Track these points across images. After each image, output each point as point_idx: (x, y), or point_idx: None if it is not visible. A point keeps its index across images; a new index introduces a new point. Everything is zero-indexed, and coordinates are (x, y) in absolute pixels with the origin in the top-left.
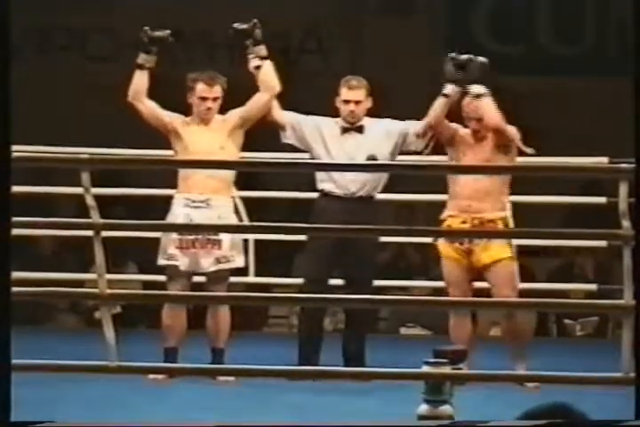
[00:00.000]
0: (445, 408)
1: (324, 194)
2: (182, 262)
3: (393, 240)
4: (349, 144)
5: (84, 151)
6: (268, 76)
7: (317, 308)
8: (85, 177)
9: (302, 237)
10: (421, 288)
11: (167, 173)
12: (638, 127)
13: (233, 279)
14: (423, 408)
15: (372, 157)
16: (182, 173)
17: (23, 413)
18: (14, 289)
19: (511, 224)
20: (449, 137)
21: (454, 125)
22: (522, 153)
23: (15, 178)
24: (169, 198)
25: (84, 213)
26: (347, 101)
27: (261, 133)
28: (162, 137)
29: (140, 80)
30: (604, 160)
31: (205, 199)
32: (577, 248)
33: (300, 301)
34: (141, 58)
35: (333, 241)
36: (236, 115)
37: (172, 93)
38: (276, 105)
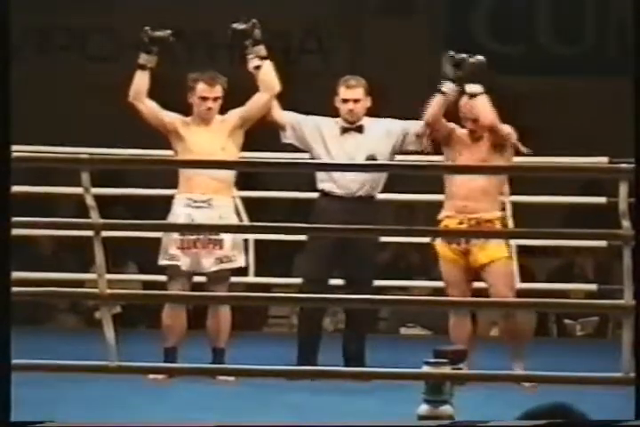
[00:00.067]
0: (445, 408)
1: (325, 194)
2: (184, 262)
3: (393, 240)
4: (349, 144)
5: (84, 151)
6: (267, 76)
7: (316, 308)
8: (85, 177)
9: (302, 237)
10: (421, 288)
11: (167, 173)
12: (638, 127)
13: (233, 279)
14: (423, 408)
15: (372, 157)
16: (184, 173)
17: (23, 413)
18: (14, 289)
19: (509, 224)
20: (446, 136)
21: (451, 125)
22: (518, 153)
23: (15, 178)
24: (169, 198)
25: (84, 213)
26: (345, 100)
27: (261, 133)
28: (162, 137)
29: (141, 80)
30: (604, 160)
31: (207, 199)
32: (577, 248)
33: (299, 301)
34: (142, 58)
35: (333, 241)
36: (235, 115)
37: (172, 93)
38: (275, 105)
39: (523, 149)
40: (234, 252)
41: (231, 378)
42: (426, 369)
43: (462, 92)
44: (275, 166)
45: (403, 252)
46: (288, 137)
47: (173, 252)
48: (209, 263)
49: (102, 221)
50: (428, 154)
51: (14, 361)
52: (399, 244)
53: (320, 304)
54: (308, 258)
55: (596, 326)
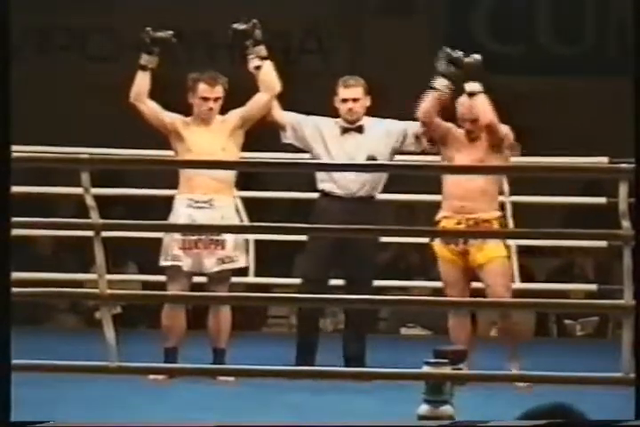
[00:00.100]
0: (446, 408)
1: (325, 194)
2: (185, 263)
3: (393, 240)
4: (349, 144)
5: (84, 151)
6: (268, 76)
7: (314, 308)
8: (85, 177)
9: (303, 238)
10: (421, 288)
11: (166, 174)
12: (638, 127)
13: (233, 279)
14: (423, 408)
15: (372, 157)
16: (184, 173)
17: (24, 413)
18: (14, 289)
19: (509, 223)
20: (442, 136)
21: (448, 125)
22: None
23: (15, 178)
24: (169, 198)
25: (85, 214)
26: (345, 100)
27: (262, 134)
28: (162, 137)
29: (142, 81)
30: (604, 160)
31: (208, 200)
32: (577, 248)
33: (299, 301)
34: (143, 59)
35: (333, 241)
36: (236, 115)
37: (172, 94)
38: (276, 105)
39: (517, 150)
40: (236, 252)
41: (231, 378)
42: (426, 369)
43: (456, 90)
44: (275, 166)
45: (403, 252)
46: (288, 137)
47: (176, 252)
48: (211, 264)
49: (102, 221)
50: (428, 154)
51: (14, 361)
52: (399, 244)
53: (320, 304)
54: (308, 258)
55: (596, 326)
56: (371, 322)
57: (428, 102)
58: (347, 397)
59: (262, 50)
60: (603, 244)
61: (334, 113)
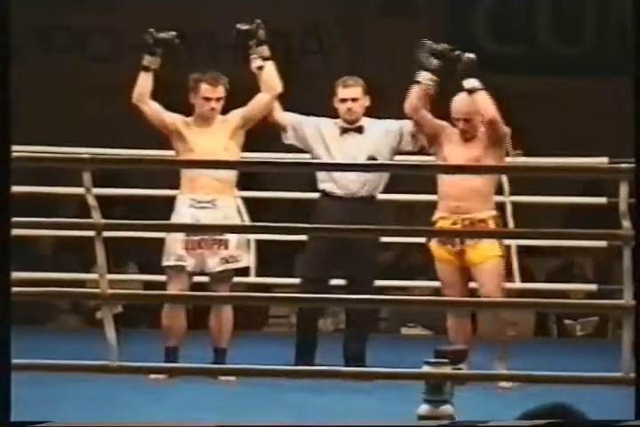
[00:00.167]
0: (446, 408)
1: (325, 194)
2: (189, 263)
3: (394, 240)
4: (349, 144)
5: (85, 151)
6: (270, 76)
7: (313, 308)
8: (87, 177)
9: (304, 238)
10: (422, 288)
11: (167, 174)
12: (638, 127)
13: (234, 279)
14: (424, 408)
15: (372, 158)
16: (186, 174)
17: (25, 412)
18: (14, 289)
19: (508, 223)
20: (435, 134)
21: (441, 122)
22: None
23: (17, 178)
24: (169, 199)
25: (86, 213)
26: (344, 100)
27: (263, 134)
28: (162, 137)
29: (145, 82)
30: (604, 160)
31: (211, 200)
32: (577, 248)
33: (299, 301)
34: (146, 60)
35: (334, 241)
36: (237, 115)
37: (174, 94)
38: (277, 106)
39: (514, 151)
40: (239, 251)
41: (232, 378)
42: (426, 369)
43: (453, 88)
44: (276, 166)
45: (404, 252)
46: (289, 138)
47: (180, 252)
48: (214, 263)
49: (104, 221)
50: (426, 154)
51: (15, 361)
52: (401, 244)
53: (320, 304)
54: (309, 258)
55: (596, 326)
56: (371, 322)
57: (413, 96)
58: (347, 396)
59: (265, 50)
60: (603, 244)
61: (335, 113)
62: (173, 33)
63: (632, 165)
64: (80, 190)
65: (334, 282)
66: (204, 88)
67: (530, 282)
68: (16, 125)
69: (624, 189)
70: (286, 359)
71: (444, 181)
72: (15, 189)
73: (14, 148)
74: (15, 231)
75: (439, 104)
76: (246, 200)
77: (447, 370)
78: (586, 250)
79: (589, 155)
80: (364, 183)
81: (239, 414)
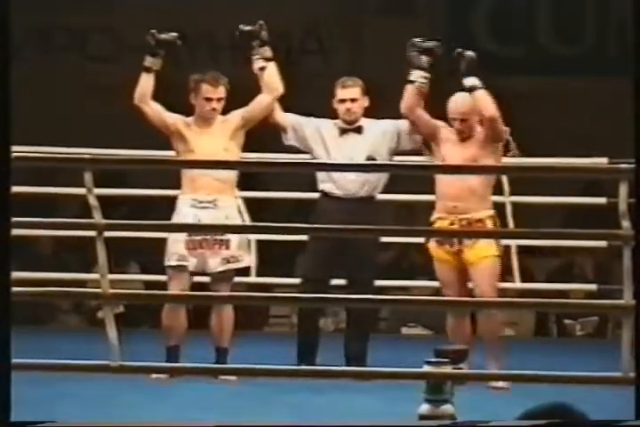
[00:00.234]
0: (446, 408)
1: (325, 194)
2: (191, 263)
3: (395, 240)
4: (348, 145)
5: (84, 151)
6: (272, 77)
7: (314, 308)
8: (88, 177)
9: (304, 238)
10: (422, 288)
11: (168, 174)
12: (638, 127)
13: (235, 279)
14: (424, 408)
15: (371, 158)
16: (187, 174)
17: (26, 412)
18: (14, 289)
19: (508, 223)
20: (431, 133)
21: (438, 122)
22: (506, 153)
23: (20, 178)
24: (170, 199)
25: (88, 213)
26: (342, 100)
27: (263, 135)
28: (163, 138)
29: (147, 83)
30: (603, 161)
31: (212, 200)
32: (577, 248)
33: (300, 301)
34: (148, 61)
35: (333, 242)
36: (238, 115)
37: (175, 95)
38: (277, 107)
39: (512, 151)
40: (240, 251)
41: (233, 377)
42: (427, 369)
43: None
44: (276, 166)
45: (405, 252)
46: (289, 139)
47: (183, 252)
48: (215, 263)
49: (105, 221)
50: (420, 154)
51: (15, 361)
52: (401, 244)
53: (321, 304)
54: (309, 258)
55: (595, 326)
56: (372, 322)
57: (408, 96)
58: (348, 396)
59: (267, 51)
60: (603, 244)
61: (334, 114)
62: (175, 34)
63: (632, 166)
64: (81, 191)
65: (335, 282)
66: (205, 88)
67: (530, 282)
68: (16, 125)
69: (624, 190)
70: (287, 359)
71: (441, 181)
72: (15, 189)
73: (14, 148)
74: (15, 231)
75: (437, 104)
76: (247, 200)
77: (447, 370)
78: (586, 250)
79: (589, 155)
80: (363, 183)
81: (240, 414)
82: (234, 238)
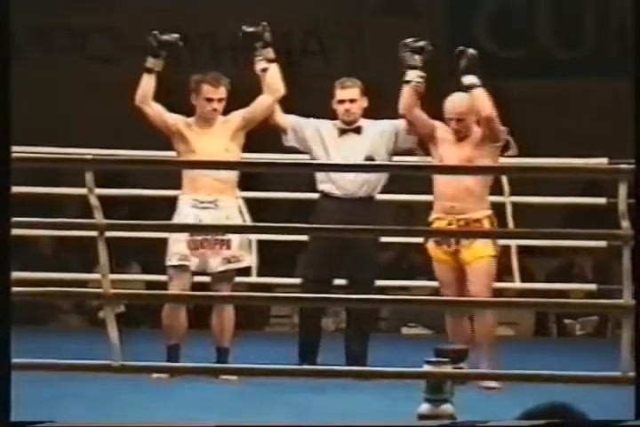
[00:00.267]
0: (446, 407)
1: (324, 195)
2: (192, 263)
3: (395, 240)
4: (347, 145)
5: (84, 152)
6: (274, 79)
7: (315, 308)
8: (89, 177)
9: (304, 238)
10: (422, 288)
11: (168, 174)
12: (638, 127)
13: (236, 279)
14: (424, 407)
15: (370, 158)
16: (188, 174)
17: (26, 412)
18: (14, 289)
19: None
20: (428, 133)
21: (435, 122)
22: (504, 152)
23: (20, 178)
24: (171, 199)
25: (89, 214)
26: (342, 101)
27: (263, 135)
28: (163, 138)
29: (148, 84)
30: (603, 161)
31: (213, 200)
32: (577, 248)
33: (300, 301)
34: (149, 62)
35: (332, 242)
36: (238, 116)
37: (176, 96)
38: (277, 108)
39: (511, 150)
40: (241, 251)
41: (234, 377)
42: (427, 368)
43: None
44: (276, 167)
45: (405, 252)
46: (289, 140)
47: (184, 252)
48: (216, 263)
49: (106, 221)
50: (414, 154)
51: (15, 360)
52: (401, 244)
53: (321, 304)
54: (309, 258)
55: (595, 326)
56: (372, 321)
57: (405, 96)
58: (348, 396)
59: (270, 52)
60: (602, 244)
61: (334, 115)
62: (177, 35)
63: (631, 166)
64: (82, 191)
65: (335, 282)
66: (206, 89)
67: (530, 282)
68: (16, 125)
69: (623, 190)
70: (288, 359)
71: (438, 181)
72: (15, 189)
73: (14, 148)
74: (15, 231)
75: (435, 104)
76: (247, 200)
77: (448, 369)
78: (586, 250)
79: (589, 155)
80: (362, 184)
81: (241, 414)
82: (235, 238)
